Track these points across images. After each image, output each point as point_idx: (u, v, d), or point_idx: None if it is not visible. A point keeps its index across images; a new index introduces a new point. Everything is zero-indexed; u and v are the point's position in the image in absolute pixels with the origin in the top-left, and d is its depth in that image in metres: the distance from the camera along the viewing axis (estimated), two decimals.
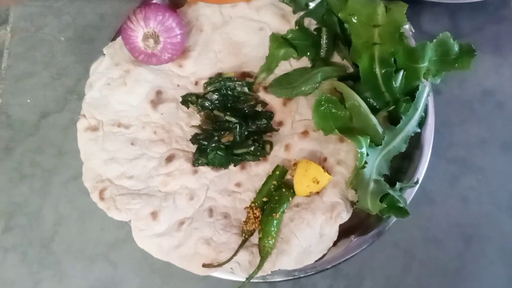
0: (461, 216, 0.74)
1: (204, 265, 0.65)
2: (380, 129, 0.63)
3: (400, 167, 0.69)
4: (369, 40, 0.65)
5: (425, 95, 0.66)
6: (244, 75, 0.73)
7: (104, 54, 0.72)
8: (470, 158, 0.76)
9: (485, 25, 0.80)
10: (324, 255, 0.65)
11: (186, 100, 0.72)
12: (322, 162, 0.68)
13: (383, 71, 0.65)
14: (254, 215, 0.66)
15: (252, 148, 0.69)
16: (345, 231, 0.66)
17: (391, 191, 0.62)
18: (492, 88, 0.78)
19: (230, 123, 0.70)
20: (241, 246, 0.65)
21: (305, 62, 0.73)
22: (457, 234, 0.74)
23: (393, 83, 0.65)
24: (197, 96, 0.72)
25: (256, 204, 0.67)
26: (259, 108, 0.71)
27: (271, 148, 0.70)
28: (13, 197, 0.78)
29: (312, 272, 0.66)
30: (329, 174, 0.66)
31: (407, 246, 0.74)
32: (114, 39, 0.73)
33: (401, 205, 0.62)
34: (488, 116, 0.77)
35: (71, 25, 0.83)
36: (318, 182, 0.65)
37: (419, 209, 0.73)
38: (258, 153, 0.69)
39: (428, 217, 0.74)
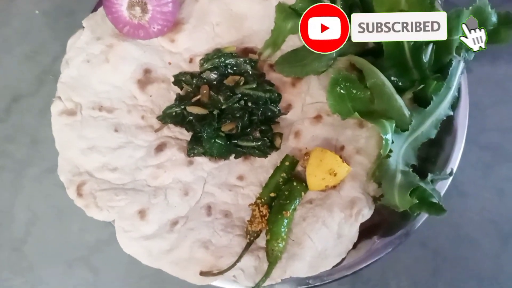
0: (497, 211, 0.72)
1: (201, 273, 0.61)
2: (406, 112, 0.60)
3: (429, 156, 0.66)
4: (394, 8, 0.61)
5: (459, 72, 0.63)
6: (246, 51, 0.70)
7: (83, 27, 0.68)
8: (505, 144, 0.74)
9: None
10: (343, 259, 0.62)
11: (179, 80, 0.69)
12: (338, 151, 0.65)
13: (411, 43, 0.61)
14: (260, 213, 0.63)
15: (259, 143, 0.66)
16: (366, 231, 0.63)
17: (422, 184, 0.58)
18: None
19: None
20: (245, 250, 0.62)
21: None
22: (492, 232, 0.71)
23: (423, 57, 0.62)
24: (192, 75, 0.69)
25: (263, 200, 0.64)
26: None
27: (281, 140, 0.67)
28: None
29: (329, 280, 0.62)
30: (348, 164, 0.62)
31: (436, 246, 0.71)
32: (95, 10, 0.70)
33: (434, 200, 0.58)
34: None
35: None
36: (335, 174, 0.61)
37: (449, 204, 0.67)
38: (267, 149, 0.66)
39: (460, 212, 0.72)
